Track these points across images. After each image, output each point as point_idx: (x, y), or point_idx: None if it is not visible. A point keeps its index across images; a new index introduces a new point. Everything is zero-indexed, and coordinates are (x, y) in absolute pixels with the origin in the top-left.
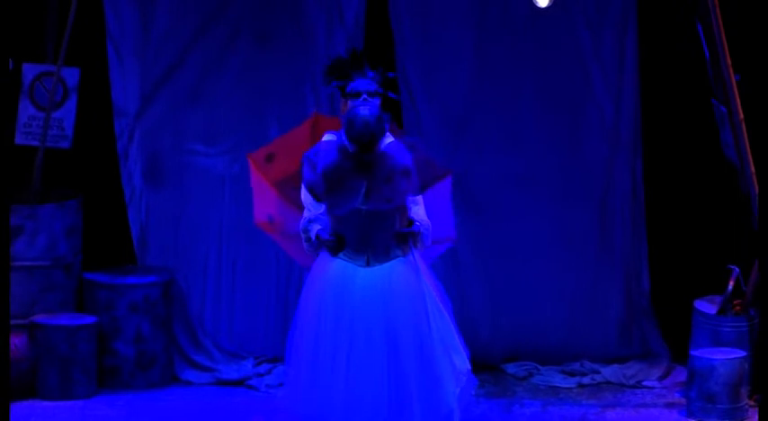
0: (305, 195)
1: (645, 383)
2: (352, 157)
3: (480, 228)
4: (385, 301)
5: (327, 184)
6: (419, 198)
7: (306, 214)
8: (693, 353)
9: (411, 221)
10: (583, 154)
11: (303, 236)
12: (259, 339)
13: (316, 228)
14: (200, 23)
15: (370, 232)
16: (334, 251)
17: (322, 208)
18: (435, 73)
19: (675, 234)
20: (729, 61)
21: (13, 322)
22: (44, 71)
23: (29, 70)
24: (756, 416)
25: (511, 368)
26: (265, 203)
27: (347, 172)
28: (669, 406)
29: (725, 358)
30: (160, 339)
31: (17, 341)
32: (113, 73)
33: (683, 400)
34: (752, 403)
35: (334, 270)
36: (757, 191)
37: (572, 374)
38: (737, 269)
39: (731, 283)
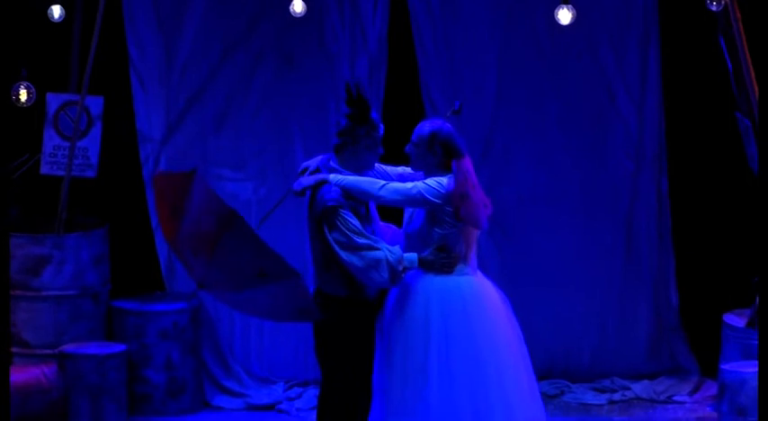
0: (364, 236)
1: (675, 398)
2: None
3: (507, 246)
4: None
5: (466, 201)
6: None
7: (381, 253)
8: (724, 366)
9: None
10: (608, 170)
11: (399, 267)
12: (289, 363)
13: (410, 254)
14: (223, 49)
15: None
16: (451, 268)
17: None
18: (459, 92)
19: (702, 248)
20: (753, 74)
21: (42, 352)
22: (68, 100)
23: (53, 100)
24: None
25: (542, 386)
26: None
27: (469, 188)
28: (700, 420)
29: (755, 371)
30: (190, 365)
31: (47, 371)
32: (137, 101)
33: (715, 414)
34: None
35: (464, 284)
36: None
37: (603, 391)
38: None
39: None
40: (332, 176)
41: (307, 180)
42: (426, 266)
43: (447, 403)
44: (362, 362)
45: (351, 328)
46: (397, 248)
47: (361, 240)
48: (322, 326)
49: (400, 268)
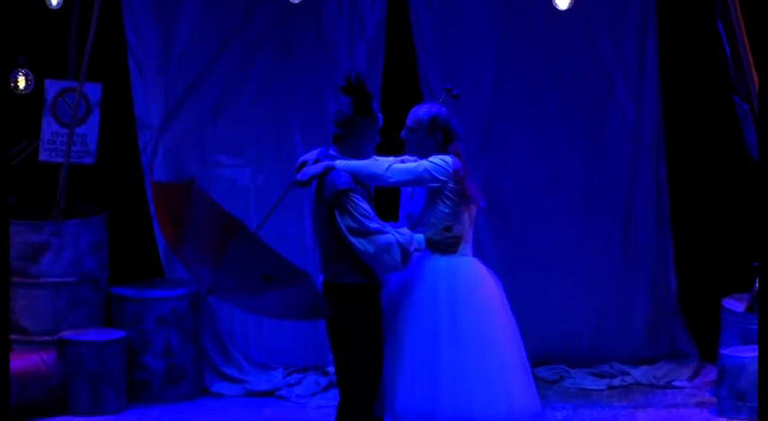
0: (373, 220)
1: (675, 383)
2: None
3: (506, 233)
4: None
5: (468, 182)
6: None
7: (391, 236)
8: (723, 351)
9: None
10: (606, 156)
11: (410, 249)
12: (288, 349)
13: (418, 236)
14: (221, 37)
15: None
16: (455, 248)
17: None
18: (458, 80)
19: (701, 233)
20: (751, 59)
21: (41, 339)
22: (66, 87)
23: (51, 87)
24: None
25: (541, 372)
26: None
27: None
28: (700, 405)
29: (755, 355)
30: (189, 352)
31: (46, 357)
32: (136, 88)
33: (714, 399)
34: None
35: (467, 264)
36: None
37: (602, 376)
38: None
39: (758, 281)
40: (338, 163)
41: (313, 168)
42: (434, 247)
43: (459, 385)
44: (379, 348)
45: (364, 315)
46: (405, 230)
47: (372, 225)
48: (335, 318)
49: (412, 249)
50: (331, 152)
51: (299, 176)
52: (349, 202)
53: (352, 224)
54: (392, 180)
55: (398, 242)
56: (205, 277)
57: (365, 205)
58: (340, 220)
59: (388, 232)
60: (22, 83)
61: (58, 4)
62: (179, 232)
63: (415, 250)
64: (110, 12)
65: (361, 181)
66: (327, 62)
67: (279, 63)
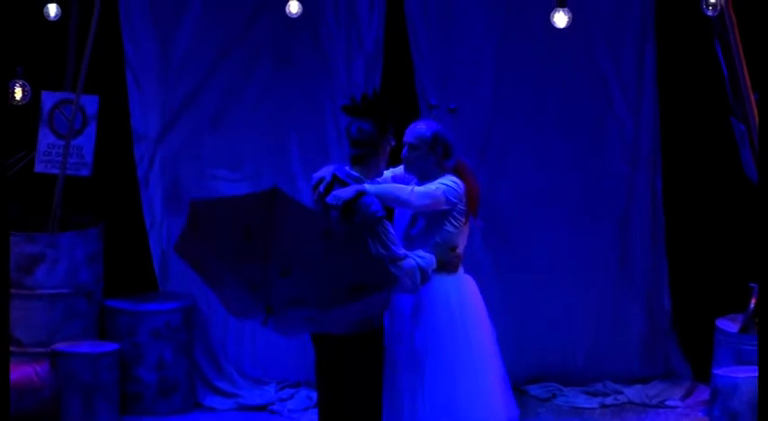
0: (398, 245)
1: (668, 403)
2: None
3: (502, 245)
4: None
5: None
6: None
7: (413, 260)
8: (716, 371)
9: None
10: (603, 171)
11: (430, 271)
12: (281, 364)
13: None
14: (219, 49)
15: None
16: (456, 267)
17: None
18: (456, 92)
19: (696, 252)
20: (748, 79)
21: (34, 350)
22: (63, 99)
23: (48, 98)
24: None
25: (534, 389)
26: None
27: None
28: None
29: (748, 376)
30: (182, 365)
31: (39, 369)
32: (132, 100)
33: (707, 419)
34: None
35: (467, 282)
36: None
37: (595, 395)
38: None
39: (753, 301)
40: (367, 186)
41: (345, 192)
42: (440, 267)
43: (478, 401)
44: (381, 372)
45: (375, 337)
46: (423, 253)
47: (400, 251)
48: (347, 346)
49: (431, 272)
50: (354, 174)
51: (330, 200)
52: (383, 230)
53: (382, 251)
54: (416, 204)
55: (420, 266)
56: (283, 292)
57: (393, 231)
58: (371, 245)
59: (410, 257)
60: (18, 94)
61: (55, 15)
62: (266, 246)
63: (431, 273)
64: (107, 24)
65: (386, 204)
66: (325, 75)
67: (277, 76)
